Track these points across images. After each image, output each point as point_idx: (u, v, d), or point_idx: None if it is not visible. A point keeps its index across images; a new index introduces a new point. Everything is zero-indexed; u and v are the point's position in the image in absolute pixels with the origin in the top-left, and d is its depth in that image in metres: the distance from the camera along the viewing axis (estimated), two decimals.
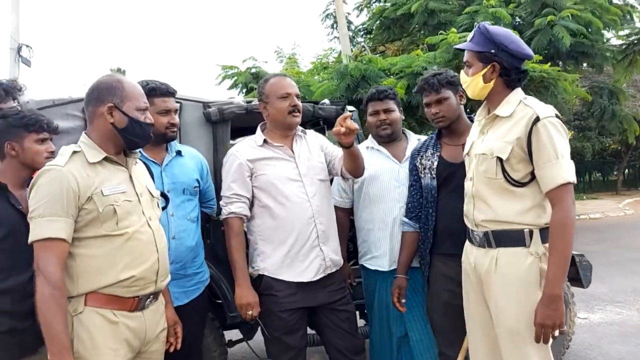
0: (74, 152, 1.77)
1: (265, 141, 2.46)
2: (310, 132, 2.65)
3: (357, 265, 2.94)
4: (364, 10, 14.65)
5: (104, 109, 1.80)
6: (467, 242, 2.18)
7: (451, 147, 2.47)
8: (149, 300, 1.86)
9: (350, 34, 13.79)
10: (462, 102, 2.49)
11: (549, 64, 8.61)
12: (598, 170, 27.86)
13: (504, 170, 1.96)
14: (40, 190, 1.69)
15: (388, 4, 12.41)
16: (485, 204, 2.03)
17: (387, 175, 2.75)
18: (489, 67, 2.01)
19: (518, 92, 2.04)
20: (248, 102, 3.09)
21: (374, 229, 2.77)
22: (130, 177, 1.87)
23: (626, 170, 26.21)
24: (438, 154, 2.46)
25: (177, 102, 2.84)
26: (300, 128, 2.56)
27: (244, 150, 2.45)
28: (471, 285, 2.13)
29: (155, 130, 2.34)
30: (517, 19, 10.78)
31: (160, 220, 1.97)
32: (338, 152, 2.57)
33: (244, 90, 10.38)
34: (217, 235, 2.77)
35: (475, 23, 9.36)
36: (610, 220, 13.53)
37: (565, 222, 1.85)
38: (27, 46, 14.02)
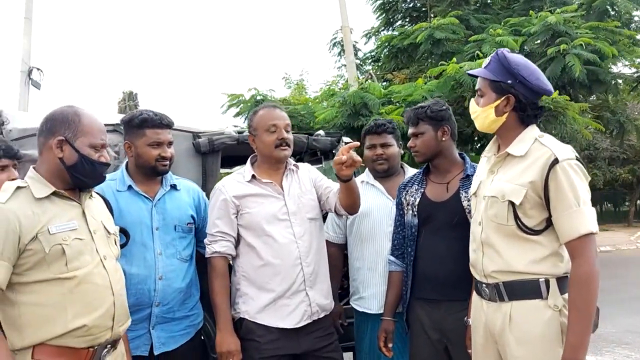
0: (18, 188, 1.63)
1: (253, 176, 2.33)
2: (303, 166, 2.53)
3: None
4: (372, 37, 14.73)
5: (54, 141, 1.68)
6: (474, 295, 1.99)
7: (435, 185, 2.32)
8: (105, 350, 1.70)
9: (358, 61, 13.83)
10: (444, 139, 2.32)
11: (557, 92, 8.51)
12: (609, 201, 27.44)
13: (516, 216, 1.77)
14: None
15: (396, 32, 12.45)
16: (496, 252, 1.82)
17: (379, 212, 2.64)
18: (502, 99, 1.82)
19: (533, 129, 1.84)
20: (240, 132, 3.00)
21: (363, 268, 2.65)
22: (84, 212, 1.73)
23: (638, 201, 25.78)
24: (422, 190, 2.32)
25: None
26: (292, 162, 2.45)
27: (231, 185, 2.33)
28: (482, 345, 1.91)
29: (144, 163, 2.27)
30: (526, 49, 10.75)
31: (117, 259, 1.83)
32: (333, 186, 2.44)
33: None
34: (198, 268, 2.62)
35: (478, 52, 9.40)
36: (621, 254, 13.23)
37: (589, 277, 1.65)
38: (38, 69, 14.18)
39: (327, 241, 2.58)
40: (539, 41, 10.03)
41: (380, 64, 13.96)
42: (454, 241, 2.08)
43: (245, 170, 2.38)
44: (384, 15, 14.50)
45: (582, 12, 10.09)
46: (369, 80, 11.62)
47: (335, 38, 14.78)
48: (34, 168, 1.72)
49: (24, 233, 1.56)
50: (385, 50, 12.56)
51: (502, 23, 11.13)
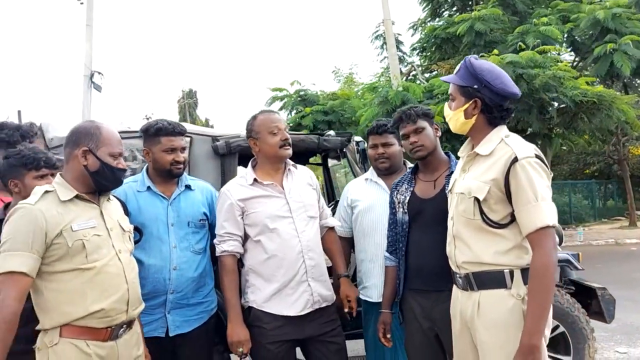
0: (46, 192, 1.91)
1: (255, 180, 2.52)
2: (303, 169, 2.71)
3: None
4: (418, 29, 14.63)
5: (79, 152, 1.95)
6: (454, 286, 2.13)
7: (424, 183, 2.45)
8: (122, 329, 1.98)
9: (400, 53, 13.80)
10: (437, 135, 2.46)
11: (601, 86, 8.28)
12: None
13: (481, 211, 1.91)
14: (9, 226, 1.82)
15: (441, 22, 12.36)
16: (466, 245, 1.98)
17: (381, 208, 2.78)
18: (471, 102, 1.97)
19: (501, 130, 1.98)
20: None
21: (365, 260, 2.82)
22: (102, 213, 2.01)
23: None
24: (411, 189, 2.46)
25: (187, 136, 3.05)
26: (291, 162, 2.63)
27: (235, 189, 2.52)
28: (459, 330, 2.07)
29: (161, 167, 2.54)
30: (577, 38, 10.41)
31: (131, 253, 2.09)
32: (326, 212, 2.70)
33: (292, 112, 10.66)
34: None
35: (520, 43, 9.20)
36: None
37: (545, 268, 1.77)
38: (99, 73, 15.16)
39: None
40: (589, 32, 9.71)
41: (425, 55, 13.89)
42: (441, 235, 2.20)
43: (247, 174, 2.56)
44: (429, 5, 14.38)
45: (634, 11, 9.64)
46: (412, 73, 11.63)
47: (377, 31, 14.83)
48: (60, 175, 2.01)
49: (50, 230, 1.84)
50: (429, 42, 12.48)
51: (550, 8, 10.83)
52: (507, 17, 10.90)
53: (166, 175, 2.57)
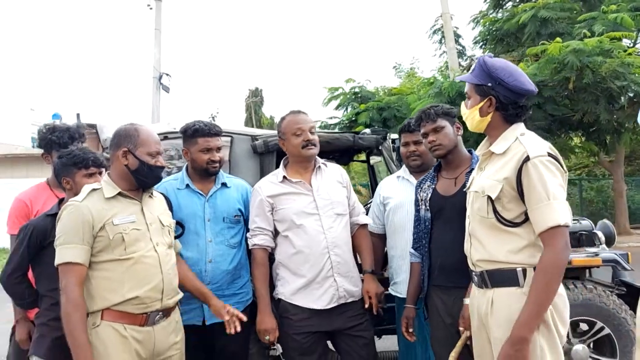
0: (93, 190, 2.13)
1: (284, 177, 2.64)
2: (334, 166, 2.78)
3: None
4: (479, 22, 14.24)
5: (120, 152, 2.16)
6: (472, 283, 2.15)
7: (445, 180, 2.46)
8: (158, 316, 2.15)
9: (459, 47, 13.49)
10: (459, 134, 2.47)
11: None
12: None
13: (495, 210, 1.92)
14: (62, 222, 2.07)
15: (500, 14, 11.97)
16: (480, 243, 1.99)
17: (411, 205, 2.78)
18: (485, 100, 1.99)
19: (517, 128, 1.98)
20: None
21: (396, 257, 2.87)
22: (142, 208, 2.19)
23: None
24: (433, 186, 2.48)
25: (229, 135, 3.21)
26: (321, 160, 2.72)
27: (266, 186, 2.66)
28: (477, 327, 2.08)
29: (198, 166, 2.71)
30: None
31: (170, 246, 2.26)
32: (357, 209, 2.75)
33: (348, 109, 10.72)
34: None
35: (585, 31, 8.72)
36: None
37: (553, 265, 1.78)
38: (167, 74, 15.96)
39: (369, 231, 2.84)
40: None
41: (488, 47, 13.50)
42: (461, 232, 2.20)
43: (278, 172, 2.70)
44: None
45: None
46: (487, 53, 11.31)
47: (435, 25, 14.58)
48: (108, 174, 2.23)
49: (95, 223, 2.05)
50: (490, 34, 12.13)
51: None
52: (576, 5, 10.37)
53: (203, 174, 2.72)
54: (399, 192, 2.91)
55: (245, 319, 2.44)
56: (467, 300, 2.22)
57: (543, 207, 1.80)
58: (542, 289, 1.79)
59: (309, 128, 2.61)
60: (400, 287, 2.82)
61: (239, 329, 2.40)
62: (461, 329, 2.25)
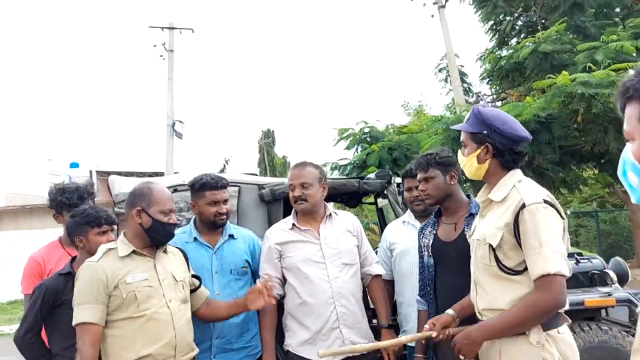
0: (109, 249, 2.20)
1: (294, 225, 2.68)
2: (345, 215, 2.81)
3: None
4: (486, 59, 14.44)
5: (134, 211, 2.23)
6: None
7: (446, 226, 2.48)
8: None
9: (465, 85, 13.64)
10: (452, 182, 2.48)
11: None
12: None
13: (497, 258, 1.93)
14: (78, 282, 2.13)
15: (504, 52, 12.15)
16: (484, 291, 2.00)
17: (417, 251, 2.81)
18: (482, 148, 2.03)
19: (514, 175, 2.01)
20: None
21: (404, 304, 2.86)
22: (155, 265, 2.23)
23: None
24: (434, 232, 2.50)
25: (236, 185, 3.28)
26: (330, 209, 2.75)
27: (275, 233, 2.70)
28: None
29: (206, 219, 2.76)
30: None
31: (184, 301, 2.28)
32: (369, 259, 2.74)
33: (359, 149, 10.81)
34: None
35: (590, 64, 8.78)
36: None
37: (533, 304, 1.82)
38: (180, 121, 16.39)
39: None
40: None
41: (494, 83, 13.65)
42: (465, 277, 2.20)
43: (288, 219, 2.74)
44: (496, 35, 14.19)
45: None
46: (481, 103, 11.42)
47: (440, 64, 14.79)
48: (124, 233, 2.29)
49: (110, 283, 2.11)
50: (494, 71, 12.29)
51: (624, 26, 10.35)
52: (573, 40, 10.48)
53: (211, 226, 2.77)
54: (405, 237, 2.92)
55: None
56: (450, 311, 2.23)
57: (535, 254, 1.81)
58: (515, 318, 1.85)
59: (299, 184, 2.64)
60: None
61: None
62: (426, 326, 2.21)
